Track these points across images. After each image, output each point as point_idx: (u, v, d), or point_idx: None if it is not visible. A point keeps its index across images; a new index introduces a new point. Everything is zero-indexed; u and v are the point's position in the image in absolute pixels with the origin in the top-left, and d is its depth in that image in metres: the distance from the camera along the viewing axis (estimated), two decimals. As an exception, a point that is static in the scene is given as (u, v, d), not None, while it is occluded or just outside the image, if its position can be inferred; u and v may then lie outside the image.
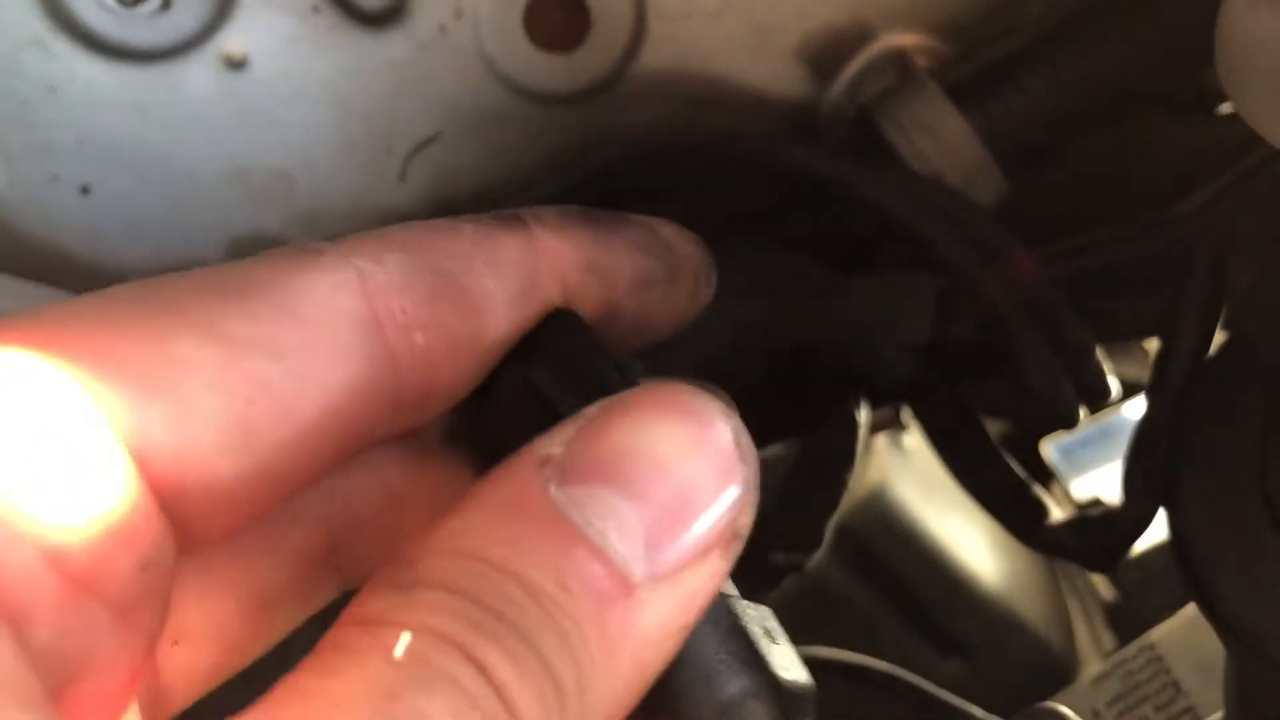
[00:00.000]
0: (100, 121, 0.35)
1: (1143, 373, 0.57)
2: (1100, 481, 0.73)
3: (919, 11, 0.38)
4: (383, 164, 0.37)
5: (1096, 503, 0.68)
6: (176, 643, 0.24)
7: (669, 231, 0.28)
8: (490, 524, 0.19)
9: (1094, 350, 0.36)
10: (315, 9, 0.34)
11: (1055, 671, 0.66)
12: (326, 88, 0.35)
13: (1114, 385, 0.36)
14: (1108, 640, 0.68)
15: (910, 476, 0.64)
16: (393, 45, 0.35)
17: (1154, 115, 0.42)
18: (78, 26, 0.33)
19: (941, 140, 0.36)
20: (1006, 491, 0.37)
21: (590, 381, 0.24)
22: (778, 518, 0.37)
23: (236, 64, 0.35)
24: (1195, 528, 0.31)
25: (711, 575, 0.19)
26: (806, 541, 0.37)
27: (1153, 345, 0.56)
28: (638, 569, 0.19)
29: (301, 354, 0.22)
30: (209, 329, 0.21)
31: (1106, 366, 0.37)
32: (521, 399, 0.25)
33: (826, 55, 0.38)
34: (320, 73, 0.35)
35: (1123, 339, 0.45)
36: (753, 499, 0.20)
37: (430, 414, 0.25)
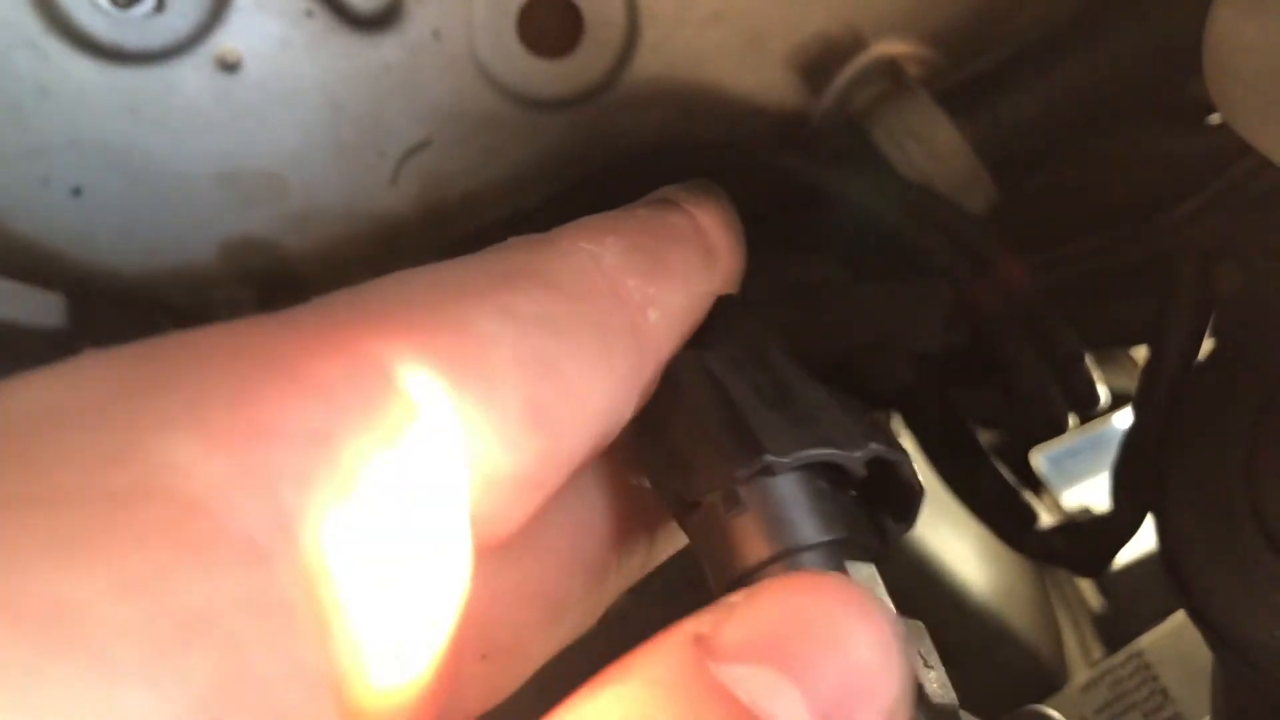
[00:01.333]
0: (92, 123, 0.35)
1: (1131, 383, 0.57)
2: (1089, 492, 0.74)
3: (911, 20, 0.38)
4: (375, 167, 0.37)
5: (1086, 512, 0.69)
6: (485, 657, 0.23)
7: (702, 215, 0.29)
8: (652, 700, 0.18)
9: (1084, 358, 0.36)
10: (309, 13, 0.34)
11: (1044, 680, 0.66)
12: (319, 91, 0.36)
13: (1103, 393, 0.36)
14: (1096, 649, 0.68)
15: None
16: (386, 49, 0.35)
17: (1143, 124, 0.42)
18: (71, 28, 0.33)
19: (933, 148, 0.36)
20: (996, 497, 0.37)
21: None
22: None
23: (230, 66, 0.35)
24: (1183, 534, 0.31)
25: None
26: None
27: (1142, 355, 0.56)
28: None
29: (576, 330, 0.22)
30: (503, 308, 0.21)
31: (1096, 374, 0.37)
32: (702, 388, 0.24)
33: (819, 63, 0.38)
34: (313, 76, 0.35)
35: (1112, 347, 0.45)
36: (910, 700, 0.18)
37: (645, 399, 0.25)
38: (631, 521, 0.27)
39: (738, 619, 0.18)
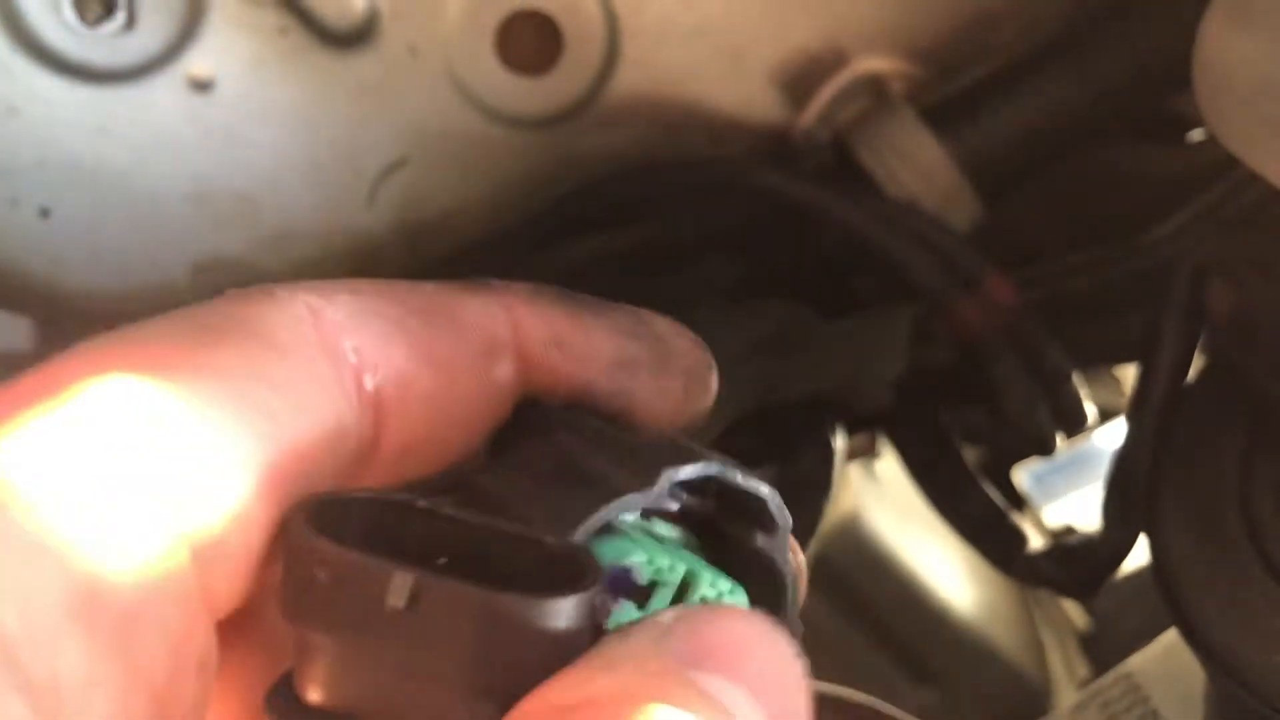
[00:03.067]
0: (61, 143, 0.34)
1: (1114, 399, 0.57)
2: (1073, 509, 0.73)
3: (893, 36, 0.38)
4: (351, 187, 0.36)
5: (1069, 530, 0.68)
6: None
7: (662, 324, 0.27)
8: (638, 699, 0.18)
9: (1071, 377, 0.36)
10: (283, 30, 0.34)
11: (1029, 700, 0.65)
12: (294, 110, 0.35)
13: (1091, 411, 0.36)
14: (1081, 669, 0.67)
15: (883, 505, 0.63)
16: (361, 67, 0.35)
17: (1126, 141, 0.42)
18: (38, 46, 0.33)
19: (917, 165, 0.36)
20: (985, 520, 0.37)
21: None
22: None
23: (202, 85, 0.34)
24: (1177, 554, 0.30)
25: None
26: (783, 570, 0.36)
27: (1125, 373, 0.56)
28: None
29: (292, 385, 0.21)
30: (213, 370, 0.20)
31: (1083, 392, 0.36)
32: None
33: (801, 79, 0.38)
34: (287, 95, 0.35)
35: (1100, 365, 0.45)
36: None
37: (377, 475, 0.23)
38: None
39: (685, 632, 0.19)
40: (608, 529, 0.21)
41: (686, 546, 0.23)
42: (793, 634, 0.21)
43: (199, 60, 0.34)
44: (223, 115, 0.35)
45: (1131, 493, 0.32)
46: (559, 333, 0.25)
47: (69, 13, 0.32)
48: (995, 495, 0.38)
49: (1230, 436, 0.31)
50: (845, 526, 0.62)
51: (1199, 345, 0.32)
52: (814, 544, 0.38)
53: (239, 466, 0.19)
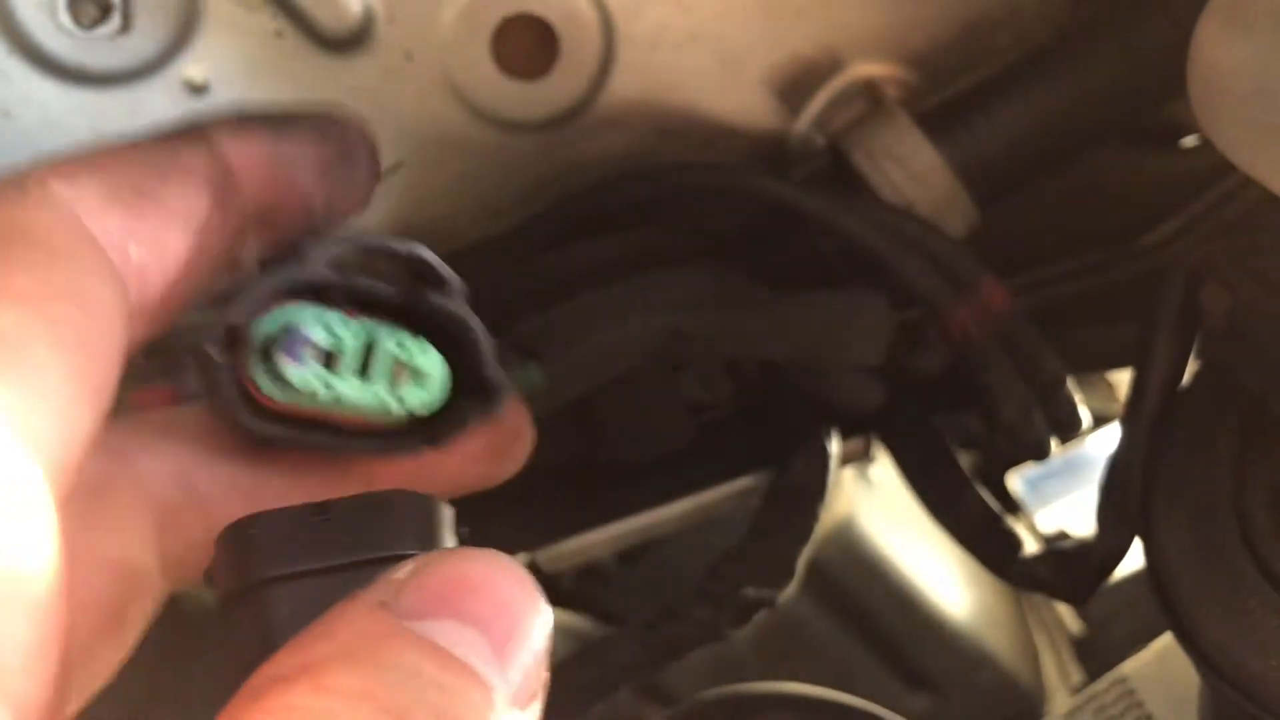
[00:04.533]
0: (56, 146, 0.34)
1: (1108, 405, 0.57)
2: (1065, 513, 0.73)
3: (888, 42, 0.38)
4: (346, 191, 0.36)
5: (1063, 535, 0.68)
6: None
7: (339, 117, 0.29)
8: (355, 659, 0.19)
9: (1065, 382, 0.36)
10: (278, 34, 0.34)
11: (1023, 704, 0.65)
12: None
13: (1085, 416, 0.36)
14: (1075, 673, 0.67)
15: (877, 509, 0.63)
16: (357, 71, 0.35)
17: (1122, 146, 0.42)
18: (33, 48, 0.33)
19: (912, 170, 0.36)
20: (979, 524, 0.37)
21: None
22: (749, 551, 0.37)
23: (197, 88, 0.34)
24: (1172, 559, 0.30)
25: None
26: (778, 576, 0.36)
27: (1119, 378, 0.56)
28: (501, 693, 0.20)
29: (78, 287, 0.22)
30: (17, 296, 0.21)
31: (1078, 398, 0.36)
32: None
33: (796, 85, 0.38)
34: (282, 97, 0.35)
35: (1095, 370, 0.45)
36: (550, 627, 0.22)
37: (156, 329, 0.25)
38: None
39: (414, 586, 0.21)
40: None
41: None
42: (497, 384, 0.26)
43: (194, 63, 0.34)
44: (216, 114, 0.34)
45: (1126, 497, 0.32)
46: (273, 153, 0.27)
47: (64, 15, 0.32)
48: (991, 500, 0.38)
49: (1224, 441, 0.31)
50: (839, 531, 0.62)
51: (1193, 349, 0.32)
52: (808, 548, 0.38)
53: (61, 384, 0.21)
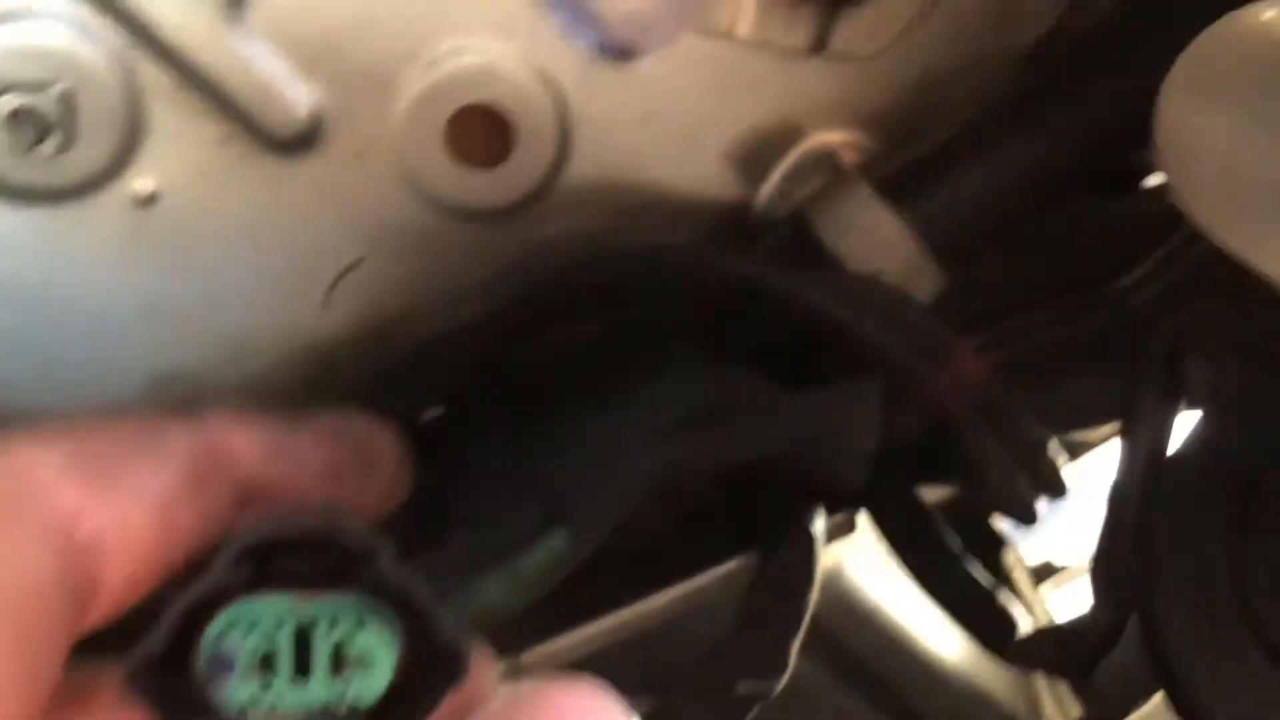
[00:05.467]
0: (5, 265, 0.33)
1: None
2: (1050, 542, 0.73)
3: (845, 109, 0.37)
4: (306, 292, 0.36)
5: (1049, 567, 0.68)
6: None
7: (363, 423, 0.28)
8: None
9: (1046, 446, 0.35)
10: (225, 139, 0.33)
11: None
12: (242, 218, 0.34)
13: (1068, 479, 0.36)
14: (1074, 709, 0.67)
15: (863, 555, 0.63)
16: (309, 171, 0.34)
17: (1084, 192, 0.42)
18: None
19: (876, 240, 0.35)
20: (972, 602, 0.37)
21: None
22: (740, 644, 0.36)
23: (146, 200, 0.33)
24: (1171, 635, 0.30)
25: None
26: (772, 667, 0.35)
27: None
28: None
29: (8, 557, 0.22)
30: None
31: (1060, 460, 0.36)
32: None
33: (755, 157, 0.37)
34: (234, 204, 0.34)
35: (1076, 427, 0.45)
36: None
37: (114, 609, 0.24)
38: None
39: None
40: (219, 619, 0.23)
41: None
42: (456, 652, 0.23)
43: (141, 175, 0.33)
44: (170, 228, 0.34)
45: (1120, 572, 0.32)
46: (270, 445, 0.26)
47: (2, 137, 0.32)
48: (982, 575, 0.37)
49: (1218, 513, 0.30)
50: (828, 581, 0.61)
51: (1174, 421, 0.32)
52: (800, 636, 0.38)
53: None
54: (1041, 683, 0.68)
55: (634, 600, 0.37)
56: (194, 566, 0.23)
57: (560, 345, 0.36)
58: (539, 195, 0.36)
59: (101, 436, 0.24)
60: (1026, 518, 0.35)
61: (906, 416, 0.36)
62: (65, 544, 0.22)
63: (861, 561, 0.62)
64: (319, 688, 0.23)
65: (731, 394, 0.34)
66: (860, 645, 0.63)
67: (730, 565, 0.38)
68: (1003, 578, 0.41)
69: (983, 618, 0.36)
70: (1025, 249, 0.41)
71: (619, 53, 0.34)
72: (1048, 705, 0.67)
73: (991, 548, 0.51)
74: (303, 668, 0.23)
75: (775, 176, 0.37)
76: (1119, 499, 0.32)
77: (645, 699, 0.36)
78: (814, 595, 0.38)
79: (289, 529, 0.23)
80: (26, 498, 0.22)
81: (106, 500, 0.23)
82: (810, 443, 0.33)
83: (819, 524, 0.38)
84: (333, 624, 0.23)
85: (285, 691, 0.23)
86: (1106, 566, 0.33)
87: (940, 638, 0.65)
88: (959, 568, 0.37)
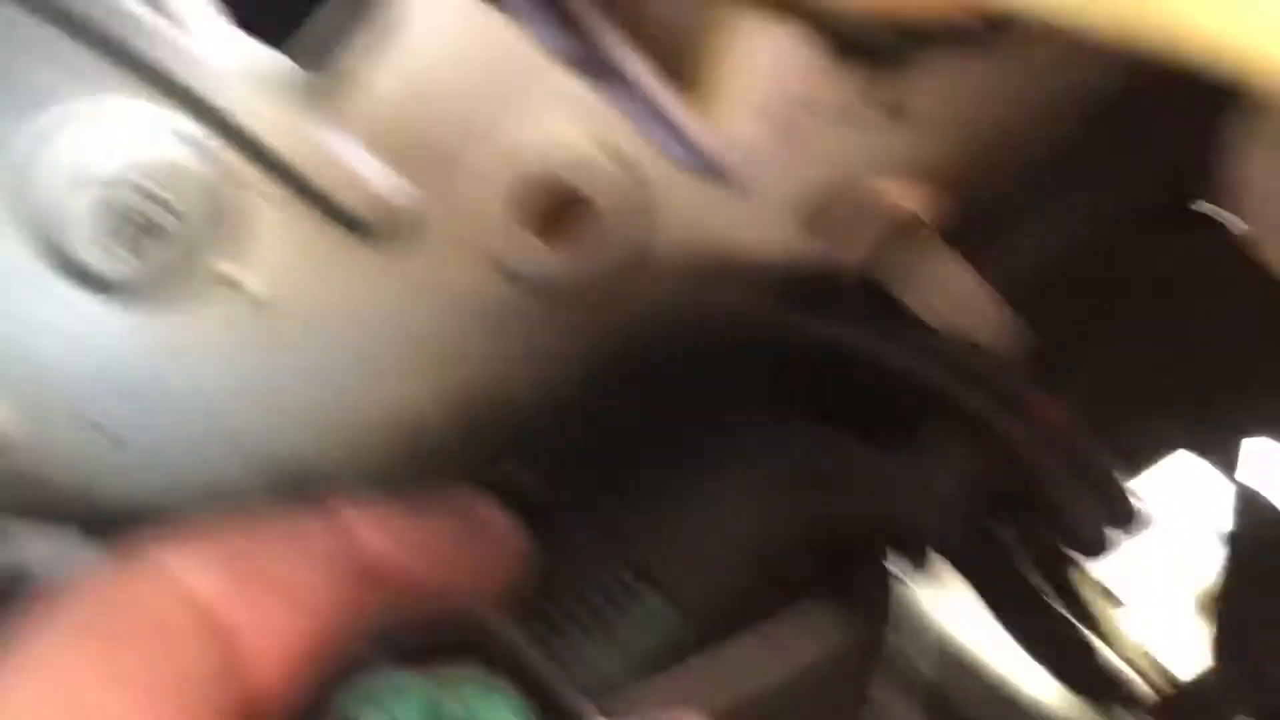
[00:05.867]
0: (124, 364, 0.35)
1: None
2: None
3: (917, 165, 0.38)
4: (409, 375, 0.37)
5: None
6: None
7: (482, 505, 0.30)
8: None
9: (1123, 486, 0.36)
10: (321, 232, 0.34)
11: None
12: (343, 309, 0.36)
13: (1143, 512, 0.37)
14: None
15: (951, 598, 0.63)
16: (405, 259, 0.35)
17: (1155, 228, 0.42)
18: (93, 278, 0.34)
19: (951, 294, 0.37)
20: (1067, 652, 0.37)
21: None
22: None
23: (254, 296, 0.35)
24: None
25: None
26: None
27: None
28: None
29: (176, 670, 0.23)
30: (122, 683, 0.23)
31: (1132, 495, 0.37)
32: None
33: (831, 217, 0.38)
34: (335, 295, 0.36)
35: (1150, 463, 0.45)
36: None
37: (265, 701, 0.25)
38: None
39: None
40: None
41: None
42: (573, 706, 0.24)
43: (248, 271, 0.35)
44: (275, 321, 0.35)
45: (1239, 633, 0.32)
46: (396, 536, 0.27)
47: (114, 244, 0.33)
48: (1075, 622, 0.38)
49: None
50: (911, 623, 0.61)
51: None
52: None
53: None
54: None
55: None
56: (331, 653, 0.25)
57: (646, 411, 0.37)
58: (622, 269, 0.37)
59: (244, 537, 0.26)
60: (1101, 551, 0.36)
61: (987, 466, 0.37)
62: (217, 644, 0.24)
63: (950, 605, 0.62)
64: None
65: (828, 455, 0.35)
66: (954, 690, 0.63)
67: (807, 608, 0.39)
68: (1079, 605, 0.42)
69: (1078, 668, 0.37)
70: (1095, 292, 0.42)
71: (715, 175, 0.36)
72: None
73: (1063, 572, 0.51)
74: None
75: (850, 236, 0.38)
76: (1235, 552, 0.32)
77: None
78: (892, 634, 0.38)
79: (418, 612, 0.25)
80: (180, 602, 0.24)
81: (254, 600, 0.25)
82: (902, 500, 0.34)
83: (896, 568, 0.39)
84: (462, 699, 0.25)
85: None
86: (1225, 623, 0.33)
87: (1022, 669, 0.64)
88: (1038, 604, 0.37)
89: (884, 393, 0.38)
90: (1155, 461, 0.41)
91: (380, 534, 0.27)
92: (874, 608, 0.38)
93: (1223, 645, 0.34)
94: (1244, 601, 0.32)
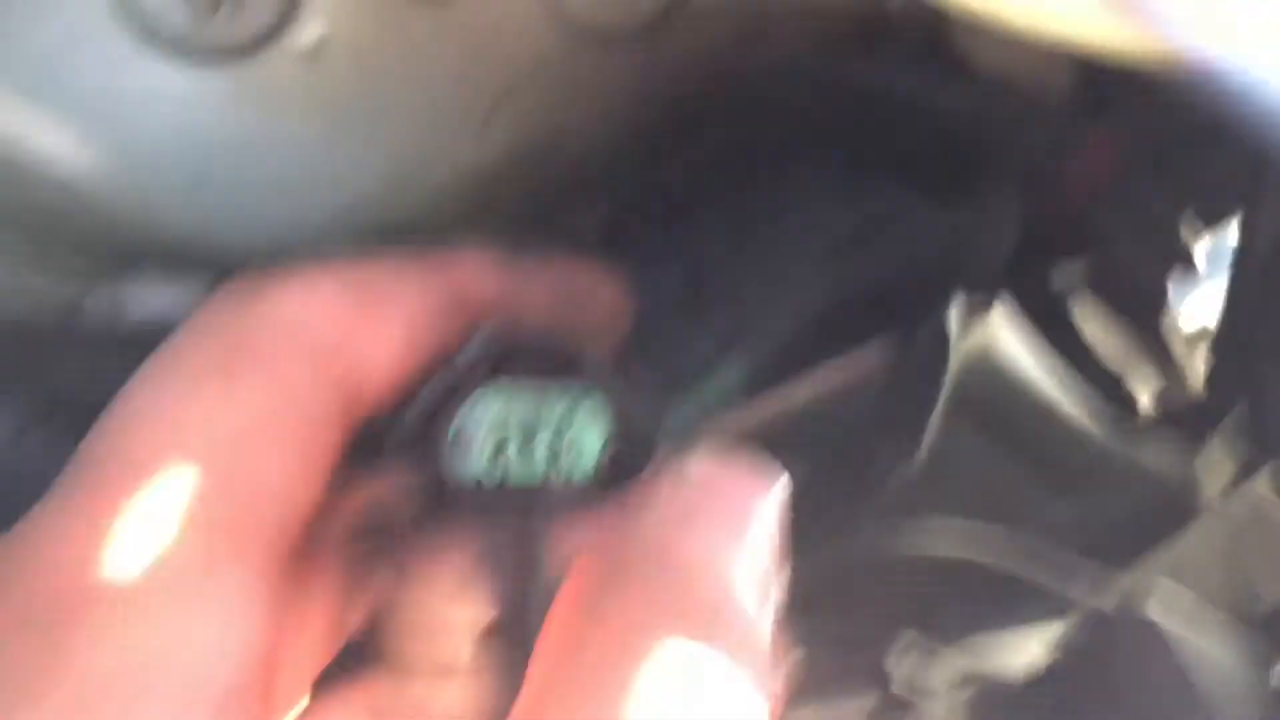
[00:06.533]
0: (197, 121, 0.37)
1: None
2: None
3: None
4: (462, 125, 0.38)
5: (1204, 332, 0.68)
6: None
7: (590, 270, 0.32)
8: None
9: (1179, 226, 0.36)
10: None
11: (1174, 504, 0.66)
12: (401, 60, 0.37)
13: (1199, 259, 0.37)
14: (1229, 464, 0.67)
15: (1010, 334, 0.63)
16: (459, 9, 0.36)
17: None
18: (161, 36, 0.35)
19: (1008, 39, 0.36)
20: (1099, 388, 0.38)
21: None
22: (878, 419, 0.38)
23: (314, 49, 0.36)
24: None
25: None
26: (909, 439, 0.38)
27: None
28: None
29: (297, 391, 0.27)
30: (238, 415, 0.26)
31: (1194, 238, 0.37)
32: None
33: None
34: (393, 46, 0.36)
35: (1208, 208, 0.44)
36: None
37: (375, 408, 0.29)
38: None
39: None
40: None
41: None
42: (647, 427, 0.28)
43: (307, 26, 0.36)
44: (336, 74, 0.36)
45: (1237, 354, 0.33)
46: (507, 288, 0.31)
47: (184, 4, 0.34)
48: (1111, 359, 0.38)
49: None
50: (976, 358, 0.62)
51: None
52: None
53: (281, 475, 0.26)
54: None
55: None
56: (440, 371, 0.29)
57: (701, 165, 0.37)
58: (668, 14, 0.37)
59: (367, 270, 0.29)
60: (1159, 297, 0.36)
61: (1043, 206, 0.37)
62: (336, 360, 0.27)
63: (1009, 339, 0.63)
64: (540, 464, 0.28)
65: (887, 208, 0.35)
66: (1012, 413, 0.64)
67: (869, 350, 0.40)
68: (1159, 342, 0.43)
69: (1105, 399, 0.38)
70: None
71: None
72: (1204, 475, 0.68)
73: (1146, 311, 0.52)
74: (528, 447, 0.28)
75: (903, -23, 0.38)
76: (1238, 275, 0.33)
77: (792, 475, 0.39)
78: (954, 371, 0.40)
79: (519, 334, 0.29)
80: (304, 325, 0.27)
81: (371, 322, 0.28)
82: (963, 252, 0.35)
83: (956, 308, 0.39)
84: (555, 412, 0.28)
85: (513, 466, 0.28)
86: (1224, 337, 0.34)
87: (1091, 407, 0.65)
88: (1086, 357, 0.38)
89: (940, 146, 0.38)
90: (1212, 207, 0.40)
91: (490, 283, 0.30)
92: (931, 341, 0.39)
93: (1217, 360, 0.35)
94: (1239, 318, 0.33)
